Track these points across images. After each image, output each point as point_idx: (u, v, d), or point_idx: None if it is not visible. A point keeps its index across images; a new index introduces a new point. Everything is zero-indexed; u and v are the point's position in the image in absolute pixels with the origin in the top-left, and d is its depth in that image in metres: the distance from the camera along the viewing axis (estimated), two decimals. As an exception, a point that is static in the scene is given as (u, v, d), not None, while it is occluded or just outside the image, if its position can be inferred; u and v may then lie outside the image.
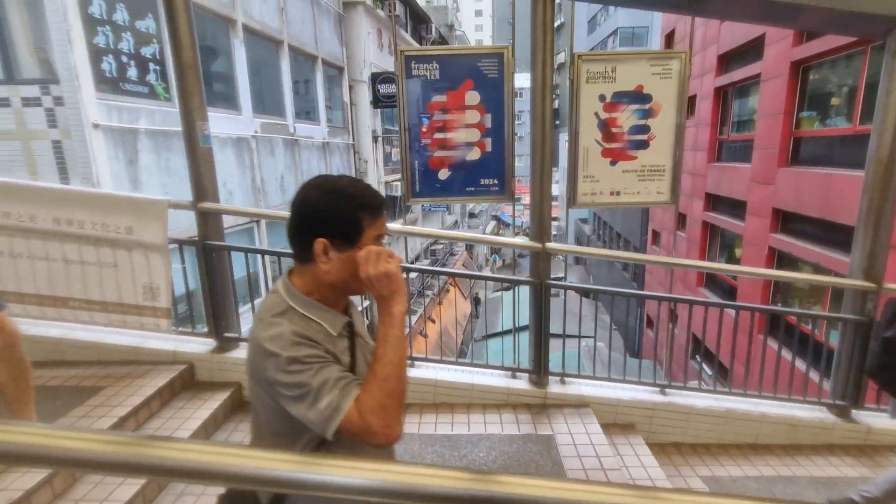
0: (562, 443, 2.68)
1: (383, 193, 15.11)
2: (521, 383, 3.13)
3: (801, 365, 3.40)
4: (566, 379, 3.19)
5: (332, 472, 0.71)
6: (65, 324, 3.01)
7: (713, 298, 9.39)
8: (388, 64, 15.11)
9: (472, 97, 2.91)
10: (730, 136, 11.48)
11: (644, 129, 2.92)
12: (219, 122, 7.49)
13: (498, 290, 18.07)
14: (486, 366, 3.27)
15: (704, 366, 9.31)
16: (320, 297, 1.01)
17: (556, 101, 35.75)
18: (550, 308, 3.03)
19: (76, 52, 4.62)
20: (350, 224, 0.96)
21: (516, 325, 3.39)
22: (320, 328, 0.99)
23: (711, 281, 11.77)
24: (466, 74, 2.88)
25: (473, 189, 3.03)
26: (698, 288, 11.96)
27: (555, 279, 3.09)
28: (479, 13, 73.89)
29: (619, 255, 3.67)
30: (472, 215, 37.12)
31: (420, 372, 3.15)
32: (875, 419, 3.20)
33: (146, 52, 5.81)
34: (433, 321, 14.70)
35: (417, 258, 17.82)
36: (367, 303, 7.11)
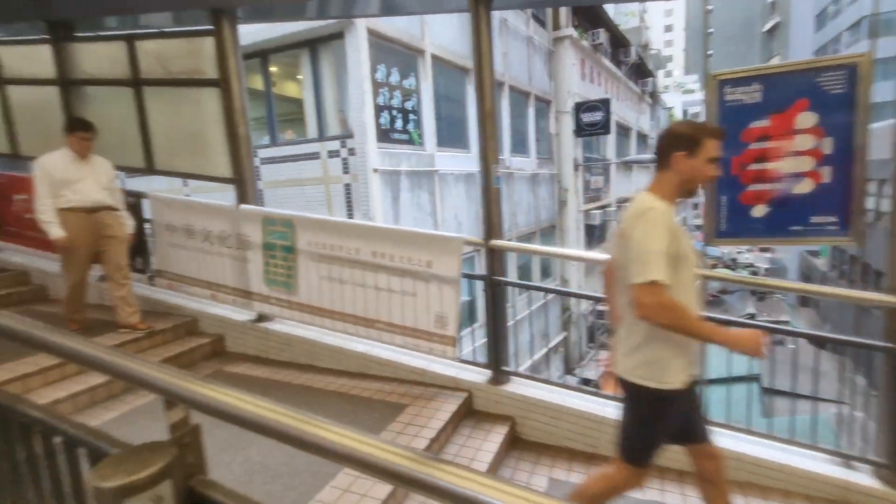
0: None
1: (582, 222, 14.66)
2: (865, 478, 2.40)
3: None
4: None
5: None
6: (369, 341, 3.50)
7: None
8: (589, 92, 14.86)
9: (806, 119, 2.43)
10: None
11: None
12: (452, 161, 8.27)
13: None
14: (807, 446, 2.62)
15: None
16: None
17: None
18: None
19: (366, 111, 5.62)
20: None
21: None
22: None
23: None
24: (799, 93, 2.43)
25: (801, 228, 2.51)
26: None
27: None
28: (668, 28, 68.27)
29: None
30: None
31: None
32: None
33: (408, 105, 6.78)
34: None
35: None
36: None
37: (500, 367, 3.10)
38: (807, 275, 24.86)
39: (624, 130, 19.64)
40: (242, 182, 3.78)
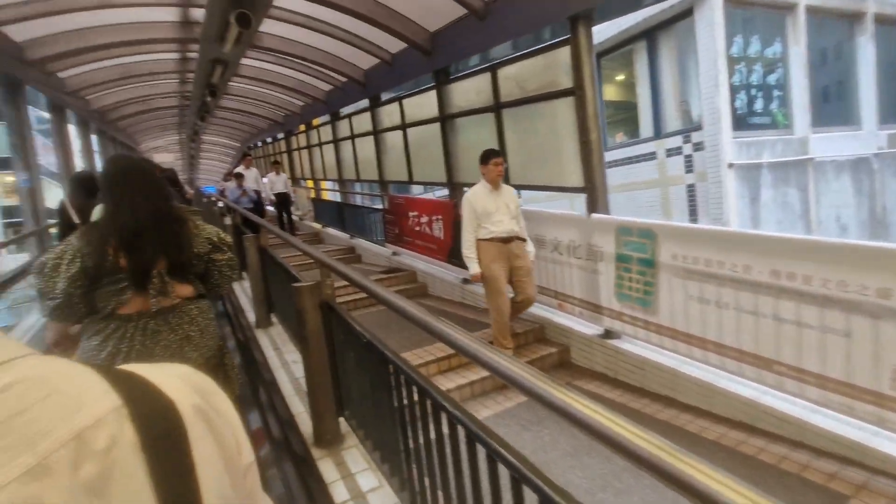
0: None
1: None
2: None
3: None
4: None
5: None
6: (758, 385, 2.74)
7: None
8: None
9: None
10: None
11: None
12: (832, 144, 6.19)
13: None
14: None
15: None
16: None
17: None
18: None
19: (720, 95, 4.69)
20: None
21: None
22: None
23: None
24: None
25: None
26: None
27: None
28: None
29: None
30: None
31: None
32: None
33: (770, 80, 5.39)
34: None
35: None
36: None
37: None
38: None
39: None
40: (593, 190, 3.62)
